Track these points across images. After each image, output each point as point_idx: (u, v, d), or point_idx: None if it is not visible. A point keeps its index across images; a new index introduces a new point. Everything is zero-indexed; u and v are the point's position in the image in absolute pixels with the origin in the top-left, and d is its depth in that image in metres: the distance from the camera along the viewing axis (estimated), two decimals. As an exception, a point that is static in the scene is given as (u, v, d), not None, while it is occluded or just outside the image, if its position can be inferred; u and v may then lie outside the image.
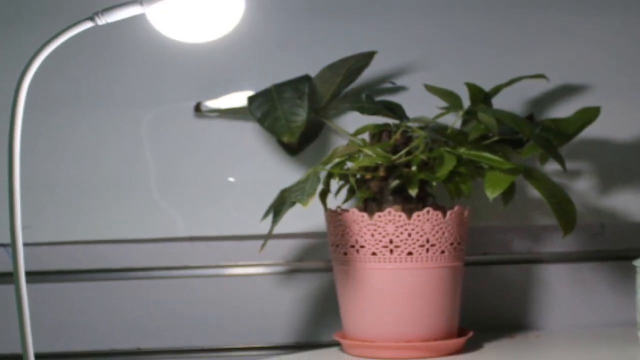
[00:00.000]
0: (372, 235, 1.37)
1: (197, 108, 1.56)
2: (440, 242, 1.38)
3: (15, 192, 1.02)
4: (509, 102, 1.50)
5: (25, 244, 1.04)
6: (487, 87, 1.44)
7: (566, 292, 1.62)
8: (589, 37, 1.58)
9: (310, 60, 1.52)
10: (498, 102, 1.45)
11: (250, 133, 1.59)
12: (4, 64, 1.55)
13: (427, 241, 1.37)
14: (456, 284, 1.45)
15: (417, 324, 1.41)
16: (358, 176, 1.38)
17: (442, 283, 1.42)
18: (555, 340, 1.53)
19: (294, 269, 1.62)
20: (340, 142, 1.53)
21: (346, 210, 1.39)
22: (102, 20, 1.00)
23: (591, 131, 1.49)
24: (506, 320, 1.62)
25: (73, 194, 1.58)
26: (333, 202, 1.44)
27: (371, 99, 1.49)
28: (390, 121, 1.42)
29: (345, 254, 1.40)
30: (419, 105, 1.48)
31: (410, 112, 1.47)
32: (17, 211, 1.03)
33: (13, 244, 1.02)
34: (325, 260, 1.58)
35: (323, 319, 1.61)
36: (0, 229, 1.36)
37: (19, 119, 1.01)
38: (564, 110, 1.53)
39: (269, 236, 1.34)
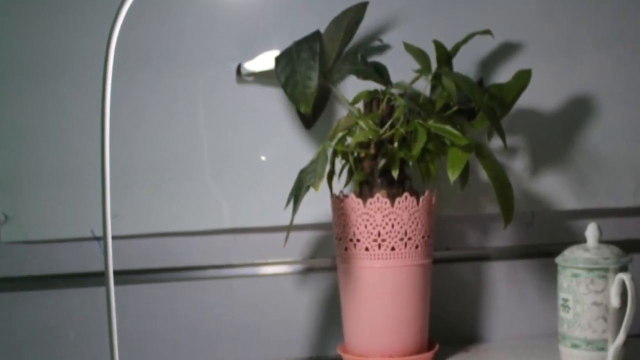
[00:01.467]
0: (365, 226, 1.34)
1: (238, 71, 1.53)
2: (415, 234, 1.36)
3: (105, 182, 1.07)
4: (464, 63, 1.54)
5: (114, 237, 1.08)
6: (451, 41, 1.47)
7: (505, 295, 1.63)
8: None
9: (317, 14, 1.53)
10: (457, 63, 1.49)
11: (279, 101, 1.55)
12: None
13: (406, 234, 1.35)
14: (427, 284, 1.40)
15: (398, 333, 1.37)
16: (355, 154, 1.38)
17: (417, 283, 1.37)
18: (498, 355, 1.53)
19: (309, 268, 1.59)
20: (342, 112, 1.55)
21: (347, 196, 1.38)
22: None
23: (523, 100, 1.49)
24: (459, 328, 1.62)
25: (145, 180, 1.53)
26: (336, 187, 1.45)
27: (365, 60, 1.53)
28: (379, 87, 1.46)
29: (346, 249, 1.38)
30: (401, 65, 1.52)
31: (393, 74, 1.51)
32: (107, 204, 1.07)
33: (104, 238, 1.06)
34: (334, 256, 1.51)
35: (331, 327, 1.59)
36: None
37: (109, 83, 1.07)
38: (506, 73, 1.56)
39: (290, 227, 1.31)
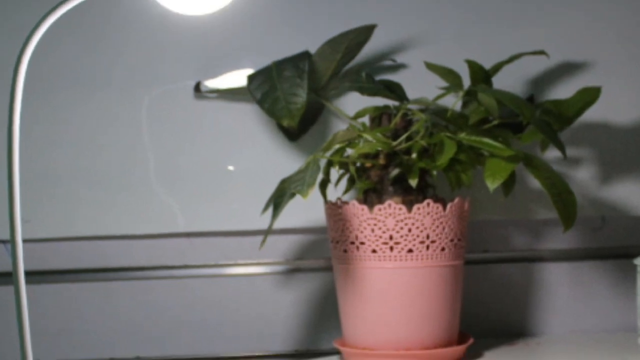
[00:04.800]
0: (372, 230, 1.35)
1: (197, 88, 1.53)
2: (440, 238, 1.36)
3: (14, 184, 1.01)
4: (509, 81, 1.49)
5: (24, 240, 1.02)
6: (487, 63, 1.42)
7: (566, 294, 1.61)
8: (589, 10, 1.53)
9: (310, 36, 1.50)
10: (498, 81, 1.44)
11: (250, 116, 1.56)
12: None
13: (427, 237, 1.35)
14: (457, 284, 1.42)
15: (416, 329, 1.37)
16: (358, 164, 1.37)
17: (442, 283, 1.39)
18: (555, 348, 1.51)
19: (294, 268, 1.59)
20: (340, 126, 1.52)
21: (346, 203, 1.38)
22: None
23: (591, 114, 1.46)
24: (505, 324, 1.60)
25: (70, 185, 1.53)
26: (333, 193, 1.43)
27: (371, 78, 1.48)
28: (390, 102, 1.41)
29: (345, 251, 1.39)
30: (419, 85, 1.47)
31: (410, 92, 1.46)
32: (16, 205, 1.01)
33: (12, 241, 1.01)
34: (327, 257, 1.53)
35: (323, 323, 1.57)
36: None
37: (18, 101, 1.01)
38: (564, 91, 1.51)
39: (269, 231, 1.31)
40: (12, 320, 1.23)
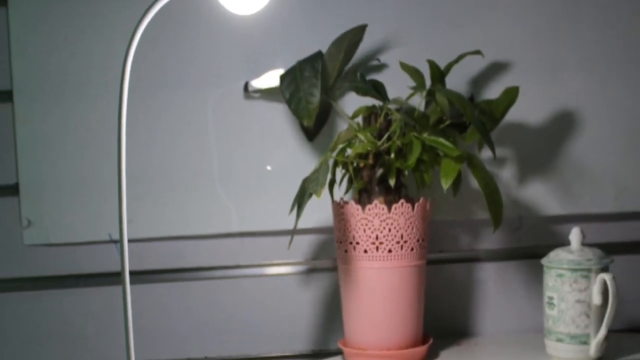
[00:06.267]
0: (364, 230, 1.37)
1: (246, 88, 1.56)
2: (410, 238, 1.38)
3: (122, 188, 1.10)
4: (456, 81, 1.57)
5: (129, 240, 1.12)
6: (444, 61, 1.49)
7: (494, 293, 1.66)
8: (511, 12, 1.61)
9: (321, 36, 1.56)
10: (450, 81, 1.52)
11: (280, 116, 1.59)
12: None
13: (402, 237, 1.37)
14: (422, 284, 1.43)
15: (396, 329, 1.40)
16: (355, 164, 1.41)
17: (413, 283, 1.40)
18: (488, 348, 1.56)
19: (311, 268, 1.62)
20: (343, 126, 1.57)
21: (347, 203, 1.40)
22: None
23: (512, 114, 1.53)
24: (452, 324, 1.65)
25: (148, 187, 1.57)
26: (337, 194, 1.48)
27: (364, 78, 1.55)
28: (377, 102, 1.48)
29: (346, 251, 1.40)
30: (396, 81, 1.54)
31: (390, 91, 1.53)
32: (123, 206, 1.10)
33: (121, 240, 1.10)
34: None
35: (331, 323, 1.62)
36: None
37: (124, 101, 1.11)
38: (495, 90, 1.59)
39: (294, 231, 1.34)
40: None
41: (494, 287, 1.66)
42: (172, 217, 1.57)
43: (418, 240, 1.39)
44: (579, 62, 1.65)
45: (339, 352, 1.49)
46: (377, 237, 1.37)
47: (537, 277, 1.53)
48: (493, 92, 1.60)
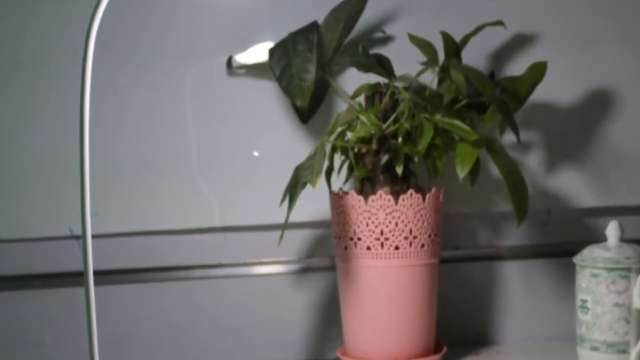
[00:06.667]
0: (367, 225, 1.34)
1: (229, 63, 1.52)
2: (421, 233, 1.35)
3: (85, 179, 1.05)
4: (474, 55, 1.54)
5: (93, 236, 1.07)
6: (459, 34, 1.46)
7: (519, 295, 1.63)
8: None
9: (317, 4, 1.51)
10: (466, 55, 1.48)
11: (270, 94, 1.55)
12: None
13: (410, 232, 1.35)
14: (435, 285, 1.40)
15: (403, 336, 1.37)
16: (356, 150, 1.38)
17: (423, 284, 1.37)
18: (511, 358, 1.52)
19: (305, 267, 1.59)
20: (342, 106, 1.54)
21: (347, 193, 1.38)
22: None
23: (539, 93, 1.49)
24: (470, 329, 1.62)
25: (130, 175, 1.53)
26: (336, 183, 1.45)
27: (366, 52, 1.52)
28: (381, 79, 1.45)
29: (346, 248, 1.38)
30: (404, 56, 1.51)
31: (396, 66, 1.50)
32: (86, 200, 1.05)
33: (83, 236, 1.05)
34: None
35: (328, 329, 1.59)
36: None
37: (88, 76, 1.05)
38: (519, 65, 1.55)
39: (285, 225, 1.30)
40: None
41: (518, 288, 1.62)
42: (143, 209, 1.53)
43: (430, 236, 1.35)
44: (617, 34, 1.61)
45: (336, 361, 1.46)
46: (381, 232, 1.32)
47: (567, 277, 1.51)
48: (517, 68, 1.56)
